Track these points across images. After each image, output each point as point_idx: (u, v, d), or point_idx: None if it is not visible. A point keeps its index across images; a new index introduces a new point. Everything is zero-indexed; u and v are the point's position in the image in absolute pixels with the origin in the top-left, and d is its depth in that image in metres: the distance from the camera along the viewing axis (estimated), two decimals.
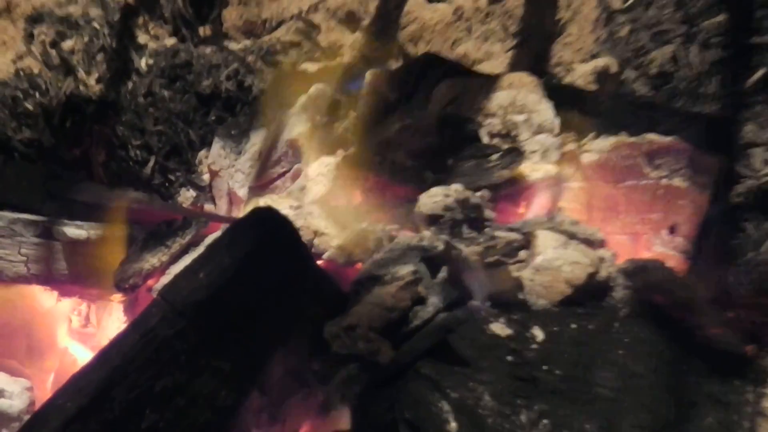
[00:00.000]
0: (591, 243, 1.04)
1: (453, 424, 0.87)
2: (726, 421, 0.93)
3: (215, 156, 1.20)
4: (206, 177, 1.21)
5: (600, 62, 1.17)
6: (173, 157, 1.18)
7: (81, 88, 1.14)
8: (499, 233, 1.04)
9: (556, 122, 1.14)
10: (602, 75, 1.18)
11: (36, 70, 1.11)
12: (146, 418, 0.85)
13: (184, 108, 1.16)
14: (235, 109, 1.20)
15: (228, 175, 1.19)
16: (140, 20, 1.21)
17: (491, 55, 1.21)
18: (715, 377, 0.96)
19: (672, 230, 1.11)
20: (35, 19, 1.22)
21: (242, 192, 1.17)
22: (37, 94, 1.08)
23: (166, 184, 1.19)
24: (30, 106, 1.10)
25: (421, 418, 0.88)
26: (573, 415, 0.87)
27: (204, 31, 1.25)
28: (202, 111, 1.19)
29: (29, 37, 1.14)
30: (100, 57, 1.19)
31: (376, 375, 0.94)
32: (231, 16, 1.25)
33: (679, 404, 0.93)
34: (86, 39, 1.15)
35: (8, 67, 1.14)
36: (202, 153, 1.19)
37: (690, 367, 0.96)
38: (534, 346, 0.93)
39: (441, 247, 1.01)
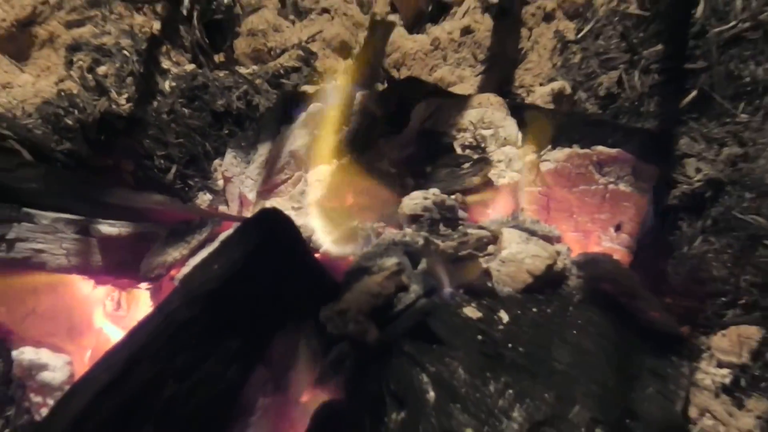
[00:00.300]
0: (549, 239, 1.05)
1: (431, 394, 0.87)
2: (664, 390, 0.94)
3: (228, 164, 1.19)
4: (220, 183, 1.20)
5: (556, 85, 1.17)
6: (192, 166, 1.18)
7: (113, 106, 1.14)
8: (470, 231, 1.04)
9: (519, 136, 1.13)
10: (558, 96, 1.17)
11: (75, 91, 1.11)
12: (167, 388, 0.85)
13: (201, 124, 1.16)
14: (245, 124, 1.20)
15: (239, 181, 1.19)
16: (164, 49, 1.21)
17: (463, 78, 1.20)
18: (655, 354, 0.97)
19: (618, 228, 1.11)
20: (74, 48, 1.22)
21: (251, 195, 1.16)
22: (76, 112, 1.09)
23: (186, 189, 1.18)
24: (70, 122, 1.10)
25: (403, 390, 0.88)
26: (533, 386, 0.87)
27: (218, 58, 1.25)
28: (217, 126, 1.19)
29: (69, 63, 1.15)
30: (129, 80, 1.19)
31: (364, 352, 0.93)
32: (241, 45, 1.25)
33: (624, 377, 0.93)
34: (118, 65, 1.16)
35: (51, 89, 1.14)
36: (216, 162, 1.19)
37: (633, 346, 0.96)
38: (500, 327, 0.93)
39: (421, 242, 1.01)
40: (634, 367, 0.96)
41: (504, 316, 0.95)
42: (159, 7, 1.20)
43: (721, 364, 1.03)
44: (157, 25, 1.17)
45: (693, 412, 0.99)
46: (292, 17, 1.25)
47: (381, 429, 0.88)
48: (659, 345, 1.00)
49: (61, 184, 1.11)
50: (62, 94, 1.11)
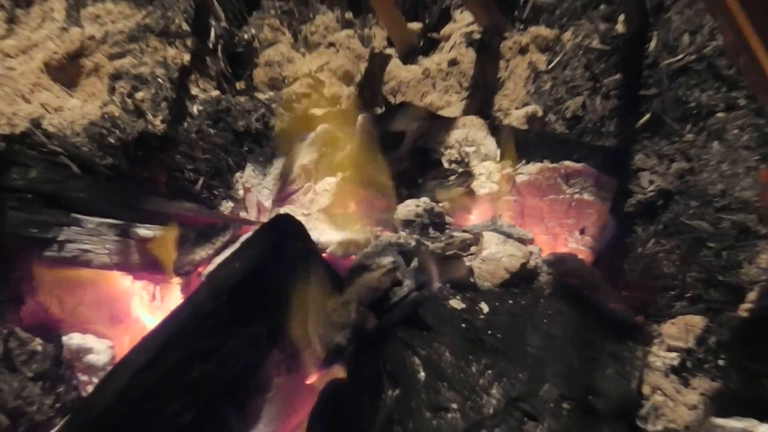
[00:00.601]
0: (523, 241, 1.05)
1: (422, 374, 0.88)
2: (621, 371, 0.95)
3: (247, 177, 1.19)
4: (241, 192, 1.20)
5: (529, 109, 1.17)
6: (216, 178, 1.18)
7: (149, 127, 1.14)
8: (455, 234, 1.05)
9: (498, 152, 1.13)
10: (531, 118, 1.17)
11: (116, 114, 1.11)
12: (195, 368, 0.86)
13: (224, 142, 1.16)
14: (262, 142, 1.20)
15: (257, 190, 1.18)
16: (193, 77, 1.21)
17: (450, 103, 1.20)
18: (614, 339, 0.98)
19: (582, 232, 1.10)
20: (116, 76, 1.21)
21: (267, 203, 1.17)
22: (117, 132, 1.09)
23: (211, 198, 1.18)
24: (112, 141, 1.10)
25: (397, 370, 0.89)
26: (509, 367, 0.88)
27: (239, 85, 1.25)
28: (238, 144, 1.19)
29: (111, 90, 1.15)
30: (163, 104, 1.18)
31: (364, 338, 0.94)
32: (259, 74, 1.25)
33: (587, 359, 0.94)
34: (153, 91, 1.15)
35: (96, 112, 1.13)
36: (237, 174, 1.19)
37: (595, 332, 0.97)
38: (481, 316, 0.94)
39: (413, 243, 1.01)
40: (596, 351, 0.97)
41: (484, 307, 0.96)
42: (189, 42, 1.20)
43: (670, 349, 1.03)
44: (187, 57, 1.18)
45: (646, 390, 0.99)
46: (302, 50, 1.25)
47: (378, 404, 0.89)
48: (617, 332, 1.01)
49: (104, 193, 1.11)
50: (105, 116, 1.11)
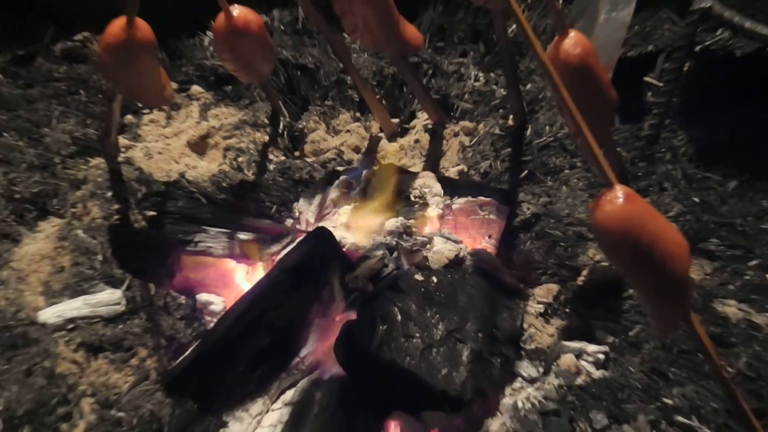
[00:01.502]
0: (456, 242, 1.07)
1: (399, 317, 0.91)
2: (511, 316, 0.99)
3: (300, 205, 1.22)
4: (297, 214, 1.21)
5: (459, 167, 1.20)
6: (283, 206, 1.21)
7: (245, 177, 1.18)
8: (418, 238, 1.07)
9: (442, 192, 1.15)
10: (461, 172, 1.20)
11: (227, 170, 1.16)
12: (270, 314, 0.92)
13: (288, 186, 1.20)
14: (309, 186, 1.22)
15: (306, 213, 1.21)
16: (270, 149, 1.24)
17: (415, 164, 1.24)
18: (507, 298, 1.02)
19: (490, 237, 1.13)
20: (227, 149, 1.21)
21: (312, 220, 1.19)
22: (228, 180, 1.14)
23: (280, 218, 1.21)
24: (224, 185, 1.15)
25: (385, 315, 0.92)
26: (448, 313, 0.92)
27: (296, 153, 1.27)
28: (295, 187, 1.21)
29: (224, 156, 1.19)
30: (253, 165, 1.21)
31: (366, 297, 0.97)
32: (307, 148, 1.27)
33: (492, 309, 0.98)
34: (248, 157, 1.18)
35: (215, 169, 1.18)
36: (295, 204, 1.21)
37: (497, 294, 1.01)
38: (432, 284, 0.98)
39: (394, 243, 1.04)
40: (497, 305, 1.00)
41: (434, 279, 0.99)
42: (268, 129, 1.24)
43: (539, 303, 1.07)
44: (266, 138, 1.22)
45: (525, 326, 1.03)
46: (332, 134, 1.29)
47: (373, 334, 0.90)
48: (508, 294, 1.04)
49: (220, 215, 1.14)
50: (221, 171, 1.16)
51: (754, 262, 0.94)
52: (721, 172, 1.06)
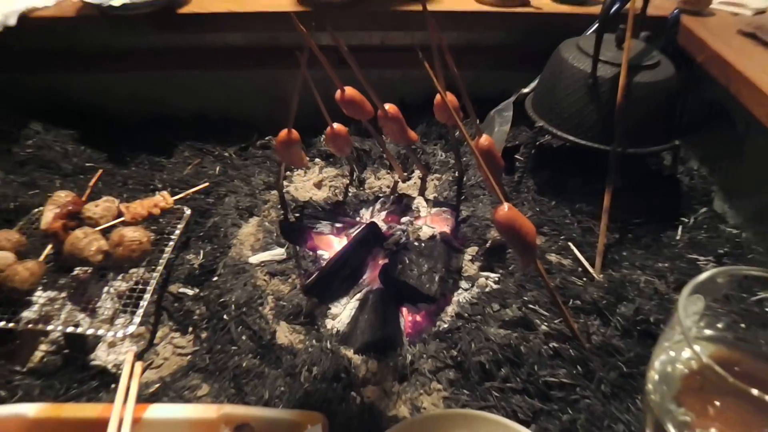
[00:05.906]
0: (433, 228, 1.09)
1: (407, 261, 1.12)
2: (457, 261, 1.06)
3: (363, 212, 1.20)
4: (361, 215, 1.36)
5: (434, 195, 1.14)
6: (355, 212, 1.28)
7: (337, 198, 1.32)
8: (416, 225, 1.13)
9: (426, 206, 1.28)
10: (435, 197, 1.14)
11: (331, 196, 1.36)
12: (351, 257, 1.13)
13: (357, 203, 1.25)
14: (366, 203, 1.24)
15: (365, 215, 1.29)
16: (348, 186, 1.30)
17: (414, 194, 1.20)
18: (456, 253, 1.07)
19: (448, 226, 1.25)
20: (331, 186, 1.49)
21: (368, 218, 1.27)
22: (331, 201, 1.32)
23: (353, 216, 1.37)
24: (330, 203, 1.29)
25: (401, 260, 1.06)
26: (429, 260, 1.03)
27: (360, 189, 1.17)
28: (361, 204, 1.37)
29: (329, 190, 1.42)
30: (340, 193, 1.34)
31: (392, 252, 1.04)
32: (366, 186, 1.26)
33: (448, 258, 1.09)
34: (340, 190, 1.32)
35: (325, 196, 1.36)
36: (361, 210, 1.33)
37: (451, 252, 1.07)
38: (422, 247, 1.07)
39: (405, 228, 1.09)
40: (451, 256, 1.16)
41: (423, 245, 1.18)
42: (348, 178, 1.32)
43: (469, 255, 1.24)
44: (347, 181, 1.34)
45: (463, 265, 1.18)
46: (376, 179, 1.36)
47: (395, 269, 1.05)
48: (456, 251, 1.18)
49: (327, 215, 1.18)
50: (328, 197, 1.32)
51: (562, 237, 1.15)
52: (548, 197, 1.27)
